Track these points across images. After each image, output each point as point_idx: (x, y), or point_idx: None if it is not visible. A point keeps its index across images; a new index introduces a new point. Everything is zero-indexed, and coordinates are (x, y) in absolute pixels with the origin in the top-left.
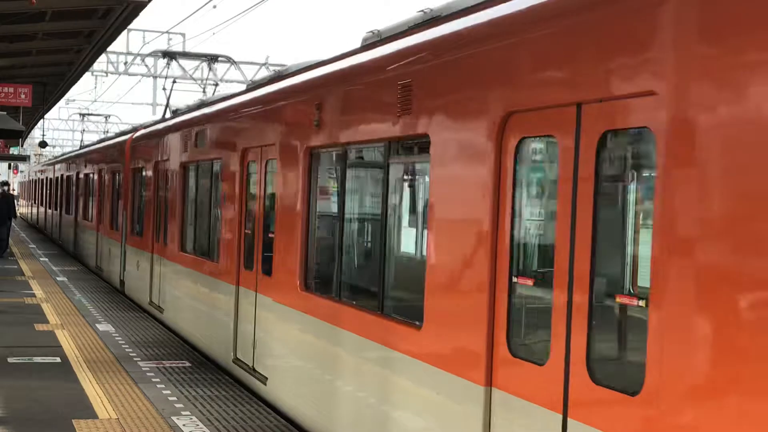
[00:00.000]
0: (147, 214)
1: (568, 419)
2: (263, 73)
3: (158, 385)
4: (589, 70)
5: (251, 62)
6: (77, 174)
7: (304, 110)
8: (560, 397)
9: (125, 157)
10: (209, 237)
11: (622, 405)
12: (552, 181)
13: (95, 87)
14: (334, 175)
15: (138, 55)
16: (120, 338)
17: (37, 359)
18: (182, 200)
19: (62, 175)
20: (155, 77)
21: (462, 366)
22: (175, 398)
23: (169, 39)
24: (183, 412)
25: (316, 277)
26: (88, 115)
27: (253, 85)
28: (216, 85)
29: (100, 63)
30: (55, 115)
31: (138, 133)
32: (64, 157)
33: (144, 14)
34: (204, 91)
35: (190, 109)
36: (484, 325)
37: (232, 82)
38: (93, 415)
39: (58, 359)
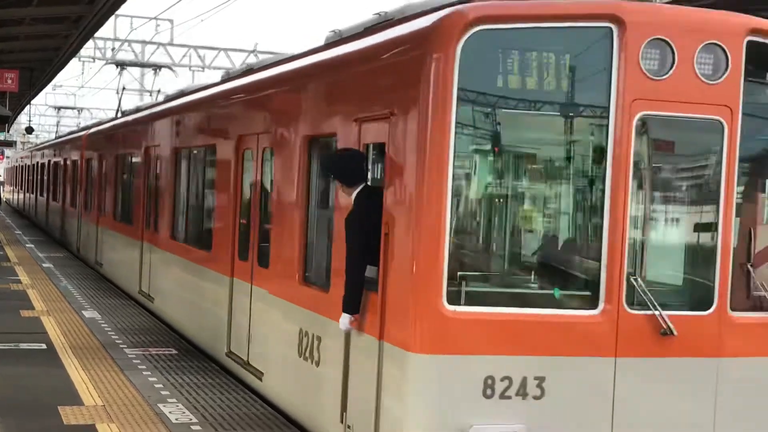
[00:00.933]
0: (94, 195)
1: (252, 285)
2: (252, 60)
3: (144, 373)
4: (257, 119)
5: (240, 49)
6: (49, 162)
7: (170, 125)
8: (249, 275)
9: (82, 149)
10: (128, 208)
11: (263, 273)
12: (250, 173)
13: (82, 73)
14: (183, 166)
15: (125, 41)
16: (106, 325)
17: (23, 346)
18: (114, 183)
19: (37, 163)
20: (143, 64)
21: (223, 267)
22: (161, 385)
23: (157, 25)
24: (169, 400)
25: (175, 228)
26: (63, 108)
27: (156, 102)
28: (158, 91)
29: (87, 49)
30: (41, 100)
31: (90, 131)
32: (40, 146)
33: (131, 0)
34: (151, 94)
35: (124, 115)
36: (230, 245)
37: (219, 69)
38: (79, 402)
39: (44, 346)
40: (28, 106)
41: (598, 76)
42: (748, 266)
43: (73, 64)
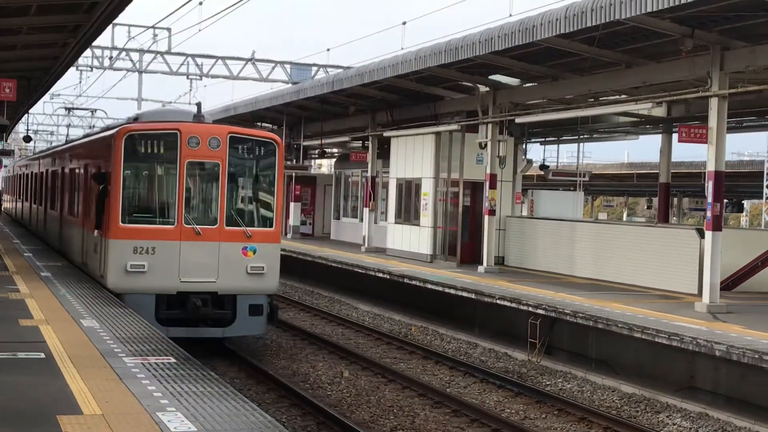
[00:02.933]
0: (43, 194)
1: (89, 230)
2: (249, 69)
3: (143, 381)
4: (89, 157)
5: (237, 57)
6: (25, 173)
7: (68, 156)
8: (88, 225)
9: (39, 165)
10: (55, 200)
11: (89, 222)
12: (89, 181)
13: (80, 82)
14: (74, 178)
15: (123, 49)
16: (105, 334)
17: (21, 355)
18: (51, 187)
19: (20, 173)
20: (140, 72)
21: (81, 223)
22: (160, 394)
23: (155, 34)
24: (168, 408)
25: (69, 208)
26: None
27: (73, 139)
28: (92, 126)
29: (85, 58)
30: (39, 109)
31: (43, 152)
32: (26, 159)
33: (129, 9)
34: (92, 128)
35: (66, 142)
36: (83, 213)
37: (217, 77)
38: (78, 411)
39: (43, 355)
40: (26, 114)
41: (174, 147)
42: (232, 211)
43: (71, 73)
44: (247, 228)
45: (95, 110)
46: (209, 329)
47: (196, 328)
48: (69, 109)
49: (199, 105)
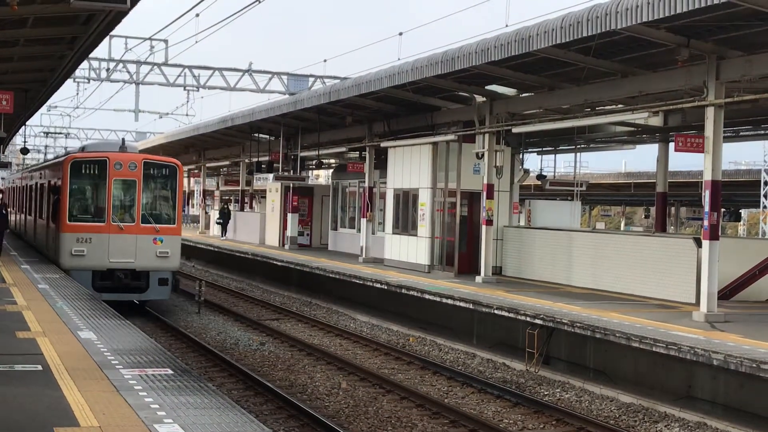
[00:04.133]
0: (23, 202)
1: (53, 226)
2: (246, 80)
3: (140, 393)
4: (51, 174)
5: (234, 68)
6: (14, 186)
7: (41, 173)
8: (52, 223)
9: (23, 179)
10: (32, 207)
11: (49, 221)
12: (53, 192)
13: (77, 93)
14: (44, 191)
15: (120, 61)
16: (102, 346)
17: (18, 367)
18: (30, 198)
19: (12, 187)
20: (137, 83)
21: (47, 223)
22: (157, 406)
23: (152, 46)
24: (165, 420)
25: (39, 212)
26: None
27: (48, 159)
28: (65, 148)
29: (83, 69)
30: (36, 121)
31: (29, 168)
32: (17, 174)
33: (126, 21)
34: (65, 149)
35: (43, 162)
36: (48, 215)
37: (214, 88)
38: (75, 423)
39: (40, 367)
40: (23, 127)
41: (104, 169)
42: (145, 213)
43: (68, 85)
44: (156, 225)
45: (69, 133)
46: (130, 294)
47: (120, 294)
48: (47, 134)
49: (123, 140)
